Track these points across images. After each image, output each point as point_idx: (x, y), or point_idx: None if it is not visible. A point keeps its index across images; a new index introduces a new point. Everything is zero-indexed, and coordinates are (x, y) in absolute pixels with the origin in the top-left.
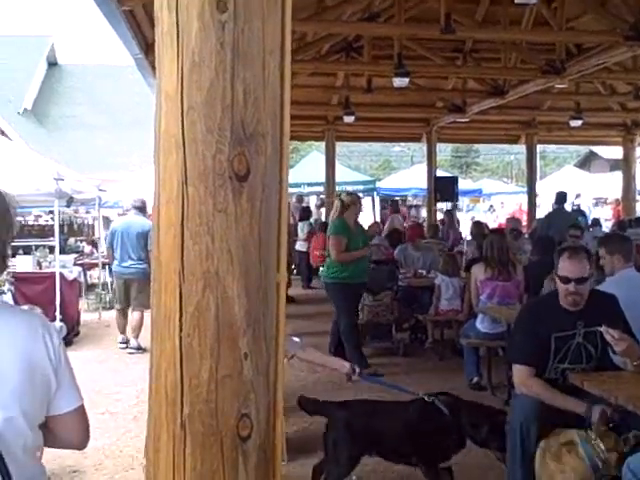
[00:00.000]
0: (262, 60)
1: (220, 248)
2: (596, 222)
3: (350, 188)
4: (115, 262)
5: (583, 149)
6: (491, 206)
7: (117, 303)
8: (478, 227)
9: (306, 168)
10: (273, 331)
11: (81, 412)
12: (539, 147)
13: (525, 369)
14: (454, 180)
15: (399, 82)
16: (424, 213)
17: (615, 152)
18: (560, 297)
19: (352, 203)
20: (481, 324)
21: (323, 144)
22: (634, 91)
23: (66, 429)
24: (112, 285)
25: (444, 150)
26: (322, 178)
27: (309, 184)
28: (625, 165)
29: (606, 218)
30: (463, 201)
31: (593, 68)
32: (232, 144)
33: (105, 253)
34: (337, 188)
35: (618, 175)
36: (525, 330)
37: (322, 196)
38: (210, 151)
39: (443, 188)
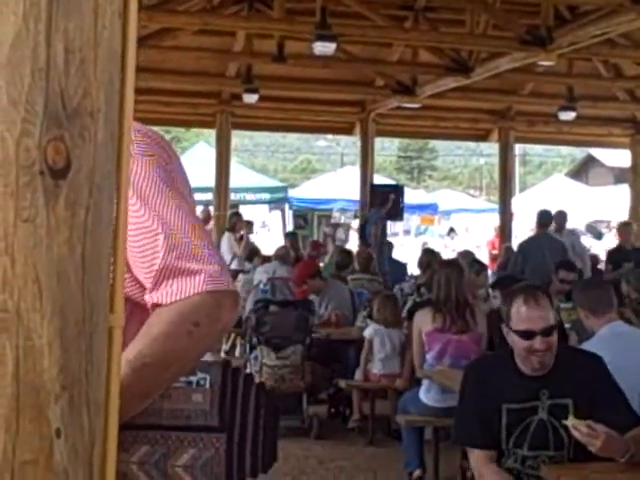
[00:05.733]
0: (93, 4)
1: (24, 275)
2: (595, 261)
3: (252, 197)
4: None
5: (579, 153)
6: (452, 229)
7: None
8: (429, 256)
9: (188, 166)
10: (101, 397)
11: None
12: (518, 147)
13: (478, 454)
14: (398, 190)
15: (322, 48)
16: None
17: (621, 157)
18: (519, 359)
19: None
20: (426, 394)
21: (214, 133)
22: None
23: None
24: None
25: (388, 147)
26: (211, 182)
27: (192, 189)
28: (633, 176)
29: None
30: (411, 221)
31: (591, 40)
32: (45, 124)
33: None
34: (232, 197)
35: (624, 189)
36: (469, 399)
37: (210, 207)
38: (12, 133)
39: (383, 201)
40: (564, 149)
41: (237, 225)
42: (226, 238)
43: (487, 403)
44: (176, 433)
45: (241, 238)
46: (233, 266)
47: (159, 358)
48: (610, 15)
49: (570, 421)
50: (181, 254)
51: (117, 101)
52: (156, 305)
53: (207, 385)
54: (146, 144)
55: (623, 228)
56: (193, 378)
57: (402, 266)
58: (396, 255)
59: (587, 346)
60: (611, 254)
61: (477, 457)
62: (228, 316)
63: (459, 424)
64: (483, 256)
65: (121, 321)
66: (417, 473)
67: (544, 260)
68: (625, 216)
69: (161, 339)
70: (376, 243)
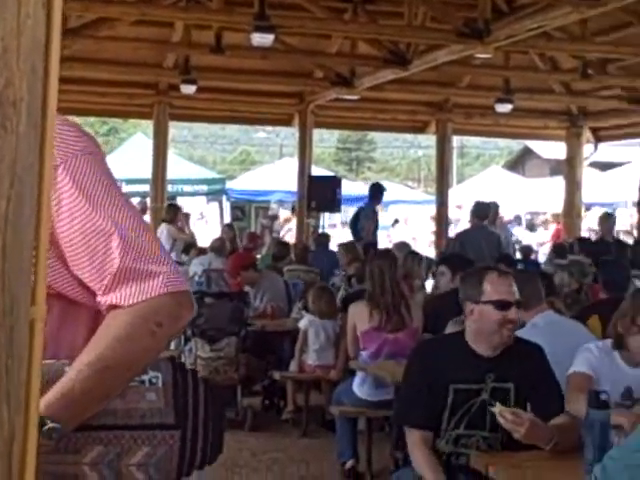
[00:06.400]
0: None
1: None
2: (527, 252)
3: (189, 188)
4: None
5: (517, 145)
6: (396, 220)
7: None
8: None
9: (125, 158)
10: (22, 392)
11: None
12: (456, 139)
13: (415, 435)
14: (336, 182)
15: (261, 39)
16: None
17: (557, 150)
18: (481, 337)
19: None
20: (360, 388)
21: (151, 124)
22: (582, 67)
23: None
24: None
25: (327, 139)
26: (148, 174)
27: (129, 181)
28: (568, 168)
29: (541, 242)
30: (349, 212)
31: (527, 33)
32: None
33: None
34: (170, 188)
35: (559, 181)
36: (415, 378)
37: (147, 199)
38: None
39: (321, 193)
40: (501, 141)
41: (177, 217)
42: (165, 230)
43: (434, 382)
44: (130, 432)
45: (181, 230)
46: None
47: (121, 360)
48: (546, 9)
49: (497, 408)
50: (138, 256)
51: (40, 91)
52: (113, 307)
53: (160, 383)
54: (83, 142)
55: (604, 220)
56: (145, 377)
57: (334, 256)
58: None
59: (521, 334)
60: (592, 247)
61: (413, 438)
62: (188, 315)
63: (401, 404)
64: (421, 247)
65: (43, 313)
66: (350, 463)
67: (481, 252)
68: (560, 208)
69: (123, 341)
70: (369, 238)
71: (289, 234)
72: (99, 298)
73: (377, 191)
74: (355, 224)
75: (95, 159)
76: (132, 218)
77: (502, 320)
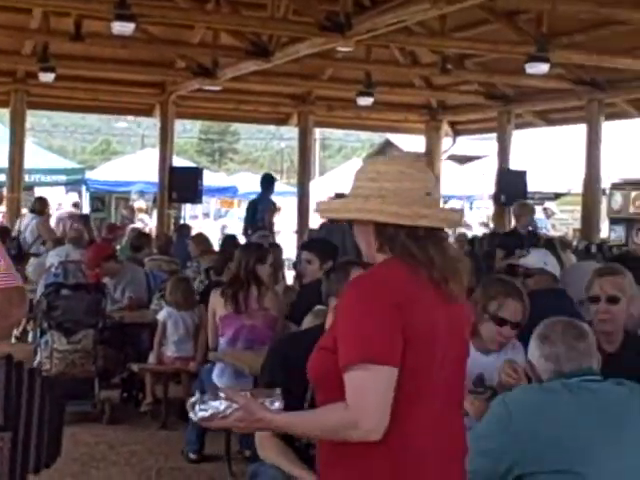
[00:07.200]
0: None
1: None
2: None
3: (47, 178)
4: None
5: (378, 138)
6: None
7: None
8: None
9: None
10: None
11: None
12: (319, 132)
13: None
14: (197, 173)
15: (121, 28)
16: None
17: (417, 143)
18: None
19: None
20: (220, 378)
21: (8, 112)
22: (441, 62)
23: None
24: None
25: (190, 130)
26: (4, 163)
27: None
28: (427, 161)
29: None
30: (211, 203)
31: (388, 27)
32: None
33: None
34: (27, 178)
35: None
36: (274, 372)
37: (3, 189)
38: None
39: (182, 184)
40: (363, 134)
41: (45, 209)
42: (34, 221)
43: (293, 377)
44: None
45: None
46: (33, 250)
47: None
48: (406, 4)
49: None
50: None
51: None
52: None
53: None
54: None
55: (519, 209)
56: None
57: None
58: None
59: None
60: (504, 238)
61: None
62: (18, 311)
63: None
64: (283, 238)
65: None
66: (194, 455)
67: (344, 245)
68: None
69: None
70: (268, 228)
71: (140, 224)
72: None
73: (269, 182)
74: (253, 215)
75: None
76: None
77: None
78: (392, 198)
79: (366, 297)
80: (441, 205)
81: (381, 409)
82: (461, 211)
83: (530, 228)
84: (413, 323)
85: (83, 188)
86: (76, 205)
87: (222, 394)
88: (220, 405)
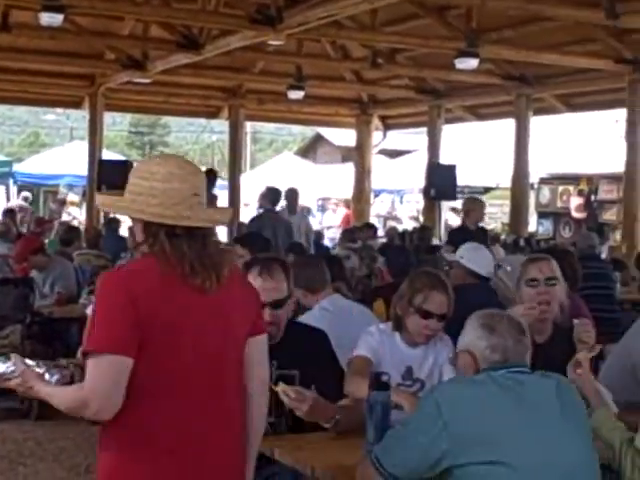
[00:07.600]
0: None
1: None
2: (318, 237)
3: None
4: None
5: (310, 131)
6: None
7: None
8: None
9: None
10: None
11: None
12: (250, 125)
13: None
14: (127, 166)
15: (49, 19)
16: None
17: (348, 137)
18: None
19: None
20: None
21: None
22: (372, 56)
23: None
24: None
25: (120, 122)
26: None
27: None
28: (358, 155)
29: (330, 225)
30: None
31: (319, 21)
32: None
33: None
34: None
35: (350, 168)
36: None
37: None
38: None
39: (111, 176)
40: (295, 128)
41: None
42: None
43: None
44: None
45: None
46: None
47: None
48: None
49: (280, 387)
50: None
51: None
52: None
53: None
54: None
55: (469, 205)
56: None
57: (124, 241)
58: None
59: (310, 318)
60: (453, 234)
61: None
62: None
63: None
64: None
65: None
66: None
67: (275, 239)
68: (350, 194)
69: None
70: None
71: (69, 217)
72: None
73: (212, 176)
74: None
75: None
76: None
77: (270, 314)
78: (159, 198)
79: (103, 293)
80: (372, 199)
81: (107, 391)
82: (228, 210)
83: (480, 224)
84: (152, 316)
85: (10, 181)
86: (26, 199)
87: (12, 359)
88: (7, 369)
